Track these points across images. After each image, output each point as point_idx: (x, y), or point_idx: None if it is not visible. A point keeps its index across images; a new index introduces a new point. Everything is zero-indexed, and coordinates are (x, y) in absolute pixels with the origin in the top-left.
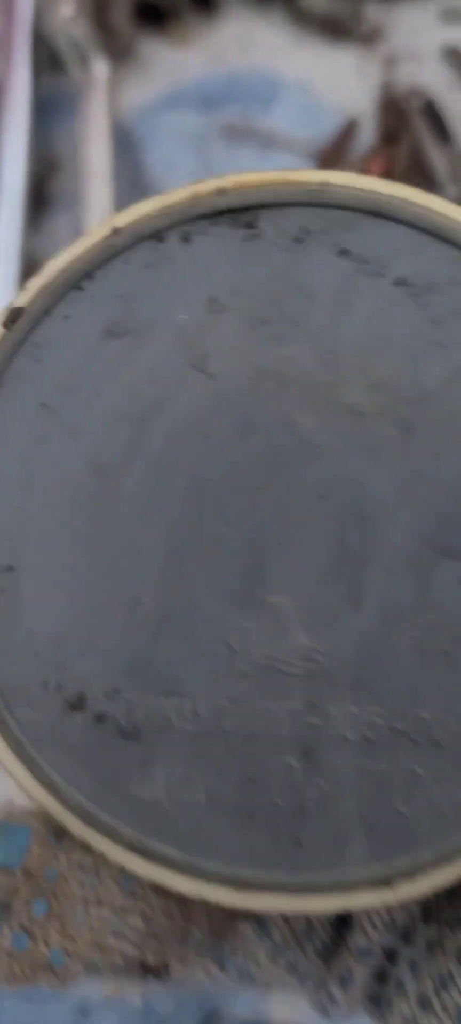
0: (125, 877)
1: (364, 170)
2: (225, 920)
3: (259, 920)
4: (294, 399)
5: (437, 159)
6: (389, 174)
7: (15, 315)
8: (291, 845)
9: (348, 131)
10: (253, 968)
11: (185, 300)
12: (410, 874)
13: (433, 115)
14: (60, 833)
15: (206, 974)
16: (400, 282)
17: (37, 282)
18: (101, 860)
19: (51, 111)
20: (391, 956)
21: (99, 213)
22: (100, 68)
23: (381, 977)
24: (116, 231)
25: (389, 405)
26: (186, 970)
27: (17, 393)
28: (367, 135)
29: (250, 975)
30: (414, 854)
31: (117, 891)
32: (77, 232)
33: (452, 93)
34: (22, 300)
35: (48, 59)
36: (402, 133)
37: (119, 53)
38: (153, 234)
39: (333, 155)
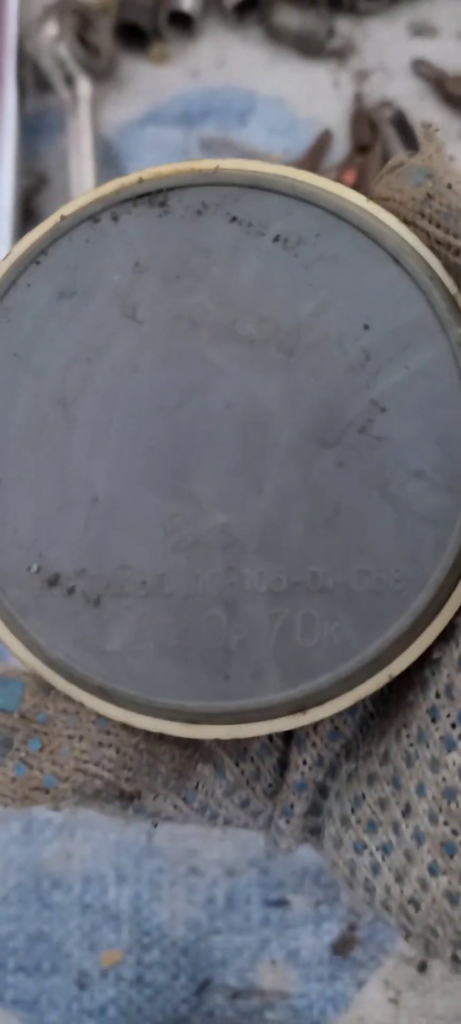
0: (100, 719)
1: (338, 179)
2: (187, 761)
3: (215, 762)
4: (202, 335)
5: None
6: (361, 182)
7: None
8: (221, 679)
9: (322, 142)
10: (211, 803)
11: (116, 265)
12: (318, 700)
13: (403, 125)
14: (47, 688)
15: (173, 807)
16: (276, 239)
17: (5, 262)
18: (80, 706)
19: (38, 128)
20: (322, 791)
21: None
22: (84, 86)
23: (315, 810)
24: (63, 217)
25: (274, 334)
26: (156, 802)
27: None
28: (341, 146)
29: (210, 809)
30: (316, 680)
31: (95, 729)
32: None
33: (421, 103)
34: None
35: (34, 79)
36: (374, 143)
37: (102, 72)
38: (90, 216)
39: (308, 165)
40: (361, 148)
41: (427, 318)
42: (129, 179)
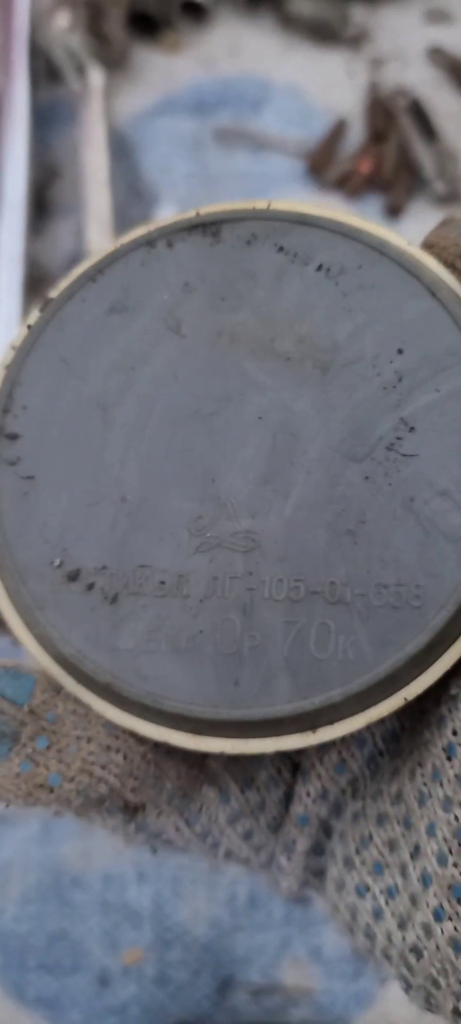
0: (109, 723)
1: (354, 168)
2: (192, 780)
3: (220, 787)
4: (242, 351)
5: (424, 156)
6: (378, 171)
7: (46, 303)
8: (231, 685)
9: (337, 131)
10: (214, 829)
11: (167, 285)
12: (329, 717)
13: (419, 114)
14: (58, 687)
15: (175, 829)
16: (319, 267)
17: (65, 281)
18: (89, 708)
19: (50, 120)
20: (326, 830)
21: (99, 217)
22: (96, 77)
23: (318, 850)
24: (122, 244)
25: (310, 352)
26: (158, 820)
27: (44, 353)
28: (356, 135)
29: (212, 836)
30: (327, 693)
31: (103, 732)
32: (78, 235)
33: (437, 91)
34: (52, 293)
35: (45, 70)
36: (390, 132)
37: (114, 62)
38: (147, 242)
39: (323, 155)
40: (377, 137)
41: (460, 347)
42: (186, 214)
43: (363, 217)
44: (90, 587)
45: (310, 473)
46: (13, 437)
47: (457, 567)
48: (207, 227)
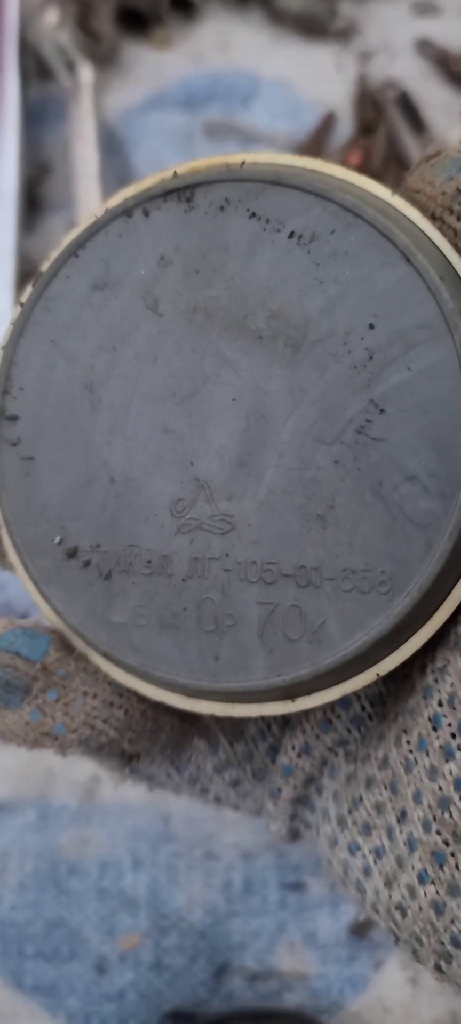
0: (114, 681)
1: (343, 161)
2: (184, 733)
3: (210, 739)
4: (216, 329)
5: (413, 148)
6: (367, 163)
7: (38, 277)
8: (212, 660)
9: (326, 124)
10: (202, 777)
11: (144, 259)
12: (305, 691)
13: (408, 106)
14: (71, 647)
15: (166, 775)
16: (291, 235)
17: (53, 253)
18: (97, 668)
19: (40, 116)
20: (317, 787)
21: (90, 213)
22: (86, 73)
23: (306, 802)
24: (107, 210)
25: (282, 329)
26: (151, 767)
27: (35, 333)
28: (345, 127)
29: (200, 782)
30: (299, 671)
31: (108, 690)
32: (70, 231)
33: (425, 83)
34: (44, 267)
35: (35, 66)
36: (378, 124)
37: (103, 58)
38: (125, 211)
39: (312, 148)
40: (366, 129)
41: (434, 319)
42: (166, 172)
43: (323, 156)
44: (87, 564)
45: (282, 456)
46: (13, 418)
47: (423, 553)
48: (181, 192)
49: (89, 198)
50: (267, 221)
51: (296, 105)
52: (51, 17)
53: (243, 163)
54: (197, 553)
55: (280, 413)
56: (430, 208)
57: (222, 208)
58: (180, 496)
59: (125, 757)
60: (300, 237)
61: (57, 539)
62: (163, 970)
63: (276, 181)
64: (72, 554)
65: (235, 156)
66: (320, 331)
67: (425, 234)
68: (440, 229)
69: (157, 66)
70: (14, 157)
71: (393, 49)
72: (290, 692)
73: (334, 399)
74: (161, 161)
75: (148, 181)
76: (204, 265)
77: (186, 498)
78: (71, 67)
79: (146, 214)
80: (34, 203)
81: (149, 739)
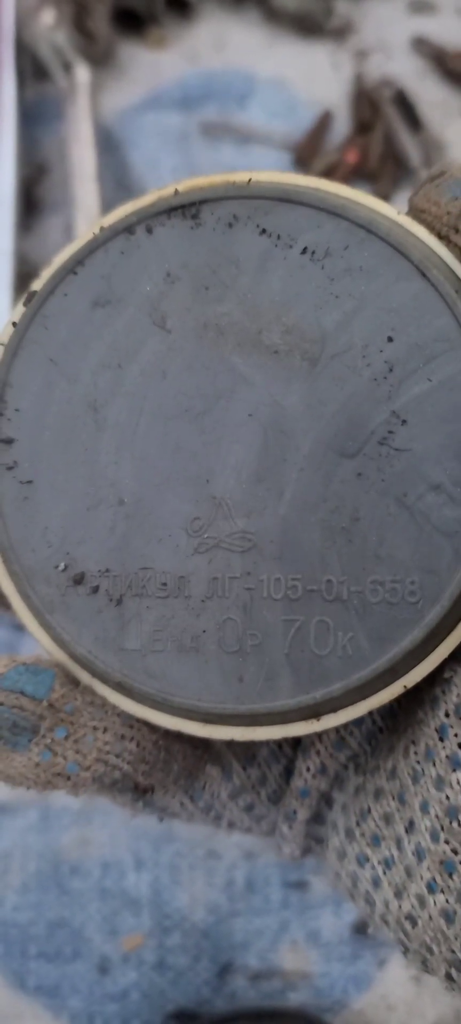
0: (124, 713)
1: (340, 159)
2: (197, 761)
3: (223, 765)
4: (229, 344)
5: (409, 146)
6: (364, 162)
7: (31, 297)
8: (236, 682)
9: (323, 123)
10: (217, 804)
11: (149, 275)
12: (331, 708)
13: (404, 104)
14: (76, 680)
15: (180, 804)
16: (304, 251)
17: (46, 272)
18: (105, 700)
19: (37, 117)
20: (328, 801)
21: (87, 213)
22: (82, 73)
23: (319, 819)
24: (102, 229)
25: (298, 344)
26: (165, 798)
27: (32, 353)
28: (342, 126)
29: (214, 810)
30: (328, 687)
31: (118, 722)
32: (67, 232)
33: (422, 81)
34: (36, 286)
35: (32, 67)
36: (375, 122)
37: (100, 58)
38: (126, 228)
39: (309, 147)
40: (362, 127)
41: (452, 331)
42: (166, 191)
43: (319, 154)
44: (95, 590)
45: (303, 471)
46: (8, 441)
47: (452, 561)
48: (186, 209)
49: (86, 198)
50: (278, 237)
51: (292, 104)
52: (47, 18)
53: (249, 180)
54: (216, 572)
55: (300, 427)
56: (436, 228)
57: (230, 225)
58: (196, 515)
59: (139, 791)
60: (313, 253)
61: (61, 565)
62: (166, 970)
63: (285, 198)
64: (79, 580)
65: (239, 174)
66: (338, 345)
67: (433, 251)
68: (447, 247)
69: (153, 66)
70: (11, 158)
71: (389, 47)
72: (316, 711)
73: (355, 411)
74: (158, 161)
75: (147, 198)
76: (214, 281)
77: (203, 516)
78: (67, 68)
79: (149, 231)
80: (31, 203)
81: (162, 770)
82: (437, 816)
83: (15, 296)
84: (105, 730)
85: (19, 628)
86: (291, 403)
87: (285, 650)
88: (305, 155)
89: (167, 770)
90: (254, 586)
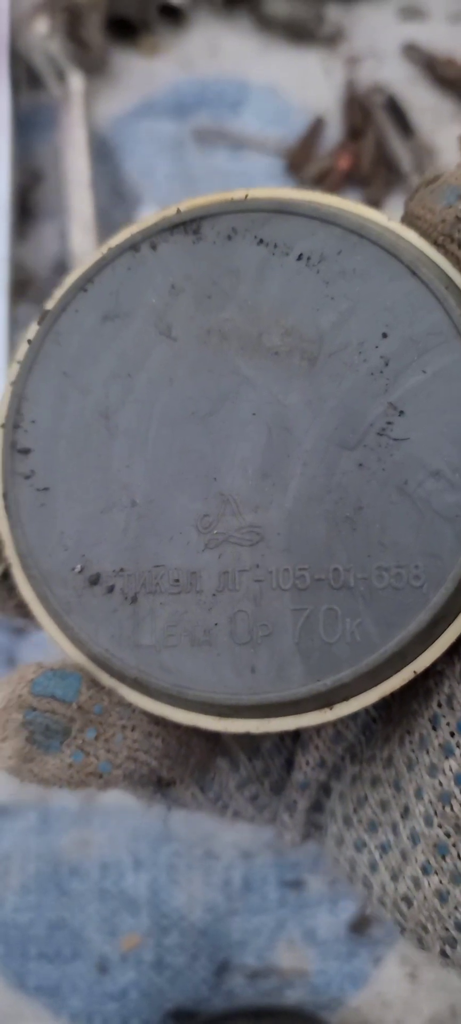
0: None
1: (333, 165)
2: (209, 753)
3: (232, 757)
4: (232, 348)
5: (401, 151)
6: (356, 167)
7: (44, 315)
8: (249, 673)
9: (315, 129)
10: (224, 795)
11: (154, 288)
12: (343, 695)
13: (395, 110)
14: (99, 684)
15: (191, 795)
16: (300, 257)
17: (58, 292)
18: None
19: (32, 125)
20: (326, 790)
21: (82, 220)
22: (76, 82)
23: (318, 807)
24: (109, 248)
25: (297, 344)
26: (181, 789)
27: (46, 367)
28: (333, 132)
29: (222, 800)
30: (338, 674)
31: (145, 720)
32: (62, 238)
33: (412, 87)
34: (48, 305)
35: (26, 76)
36: (367, 128)
37: (93, 66)
38: (132, 246)
39: (301, 153)
40: (354, 133)
41: (443, 325)
42: (169, 210)
43: (341, 197)
44: (110, 589)
45: (306, 464)
46: (25, 451)
47: (454, 545)
48: (188, 225)
49: (81, 205)
50: (275, 246)
51: (285, 110)
52: (41, 27)
53: (246, 196)
54: (226, 567)
55: (301, 423)
56: (431, 235)
57: (229, 237)
58: (205, 512)
59: (163, 784)
60: (308, 259)
61: (77, 567)
62: (164, 969)
63: (280, 209)
64: (94, 581)
65: (237, 192)
66: (335, 344)
67: (424, 252)
68: (443, 255)
69: (147, 73)
70: (6, 166)
71: (380, 54)
72: (328, 699)
73: (353, 405)
74: (152, 168)
75: (151, 218)
76: (215, 290)
77: (212, 513)
78: (61, 76)
79: (153, 247)
80: (26, 211)
81: (183, 764)
82: (430, 801)
83: (11, 301)
84: (133, 728)
85: (18, 633)
86: (293, 401)
87: (295, 639)
88: (298, 161)
89: (186, 763)
90: (263, 578)
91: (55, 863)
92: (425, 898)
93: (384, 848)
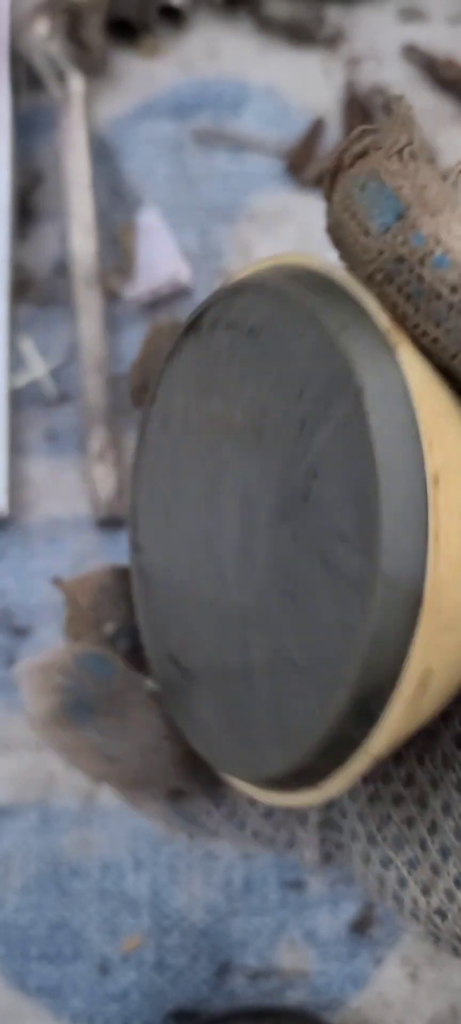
0: (166, 716)
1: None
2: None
3: None
4: (217, 436)
5: None
6: None
7: (141, 395)
8: (247, 750)
9: (315, 130)
10: (239, 810)
11: (183, 390)
12: (315, 776)
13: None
14: (136, 683)
15: (206, 813)
16: (250, 332)
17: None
18: (155, 703)
19: (31, 127)
20: (342, 812)
21: (82, 221)
22: (76, 83)
23: (332, 825)
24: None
25: (250, 422)
26: (192, 804)
27: (141, 476)
28: (333, 133)
29: (237, 816)
30: (302, 753)
31: (162, 725)
32: (62, 240)
33: (413, 89)
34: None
35: (26, 77)
36: None
37: (93, 68)
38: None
39: (301, 154)
40: None
41: (340, 371)
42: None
43: (312, 162)
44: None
45: (263, 539)
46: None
47: (360, 614)
48: (195, 322)
49: (81, 206)
50: (237, 328)
51: (285, 112)
52: (41, 28)
53: (229, 278)
54: (226, 644)
55: (257, 499)
56: (365, 266)
57: (213, 327)
58: (215, 597)
59: (171, 795)
60: (254, 332)
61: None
62: (165, 969)
63: (237, 288)
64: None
65: (225, 275)
66: (273, 415)
67: (322, 295)
68: (378, 296)
69: (147, 75)
70: (6, 167)
71: (380, 55)
72: (310, 776)
73: (286, 475)
74: (152, 169)
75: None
76: (208, 382)
77: (221, 599)
78: (61, 77)
79: (179, 350)
80: (26, 212)
81: (191, 775)
82: (460, 816)
83: (12, 303)
84: (149, 728)
85: (17, 634)
86: (251, 478)
87: (271, 719)
88: (298, 162)
89: (196, 776)
90: (248, 656)
91: (56, 863)
92: (460, 909)
93: (412, 864)
